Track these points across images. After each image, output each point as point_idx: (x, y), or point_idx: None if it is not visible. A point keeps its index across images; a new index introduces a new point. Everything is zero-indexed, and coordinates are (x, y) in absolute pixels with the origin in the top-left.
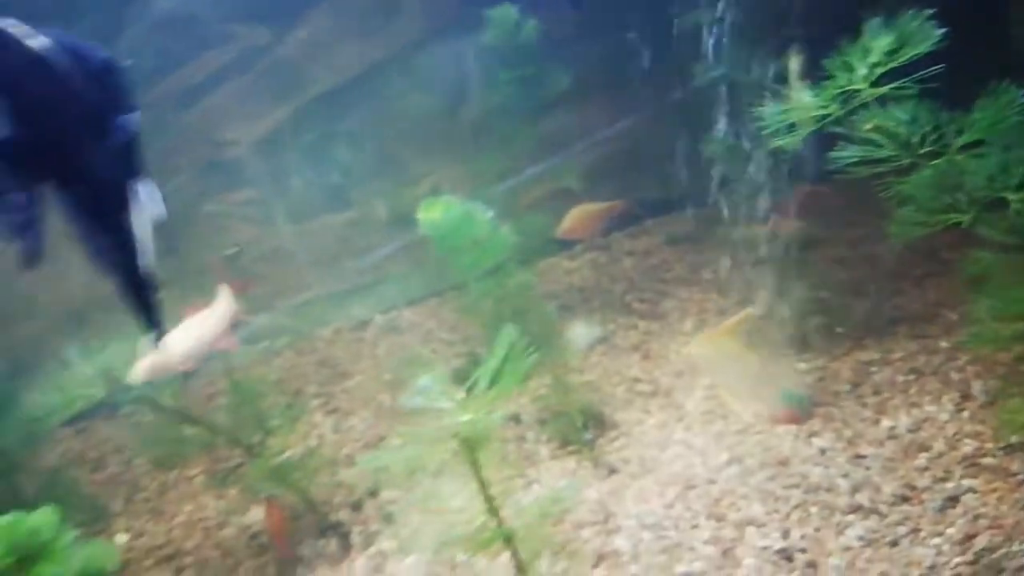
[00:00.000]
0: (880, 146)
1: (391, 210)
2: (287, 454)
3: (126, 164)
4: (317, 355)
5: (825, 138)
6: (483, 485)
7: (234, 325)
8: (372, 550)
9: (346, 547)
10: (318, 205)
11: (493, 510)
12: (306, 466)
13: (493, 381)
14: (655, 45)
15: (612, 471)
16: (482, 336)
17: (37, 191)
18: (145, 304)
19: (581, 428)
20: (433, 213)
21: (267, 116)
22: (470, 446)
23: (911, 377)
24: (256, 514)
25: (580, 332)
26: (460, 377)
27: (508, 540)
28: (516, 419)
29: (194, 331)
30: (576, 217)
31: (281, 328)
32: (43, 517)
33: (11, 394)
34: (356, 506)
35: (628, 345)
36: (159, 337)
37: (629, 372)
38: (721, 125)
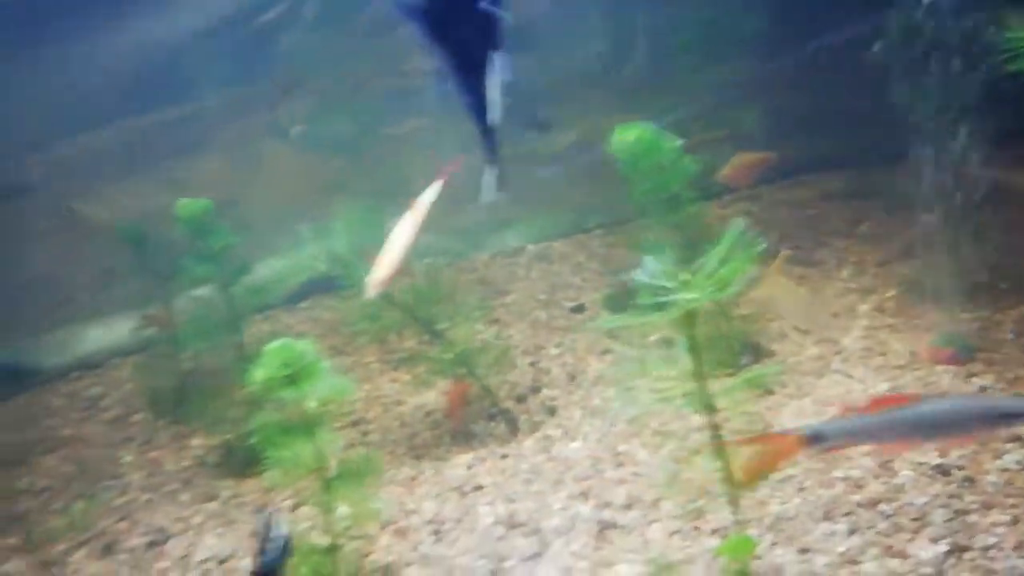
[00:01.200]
0: None
1: (544, 149)
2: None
3: (491, 37)
4: (476, 274)
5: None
6: (697, 358)
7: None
8: (538, 435)
9: (514, 430)
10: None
11: (701, 378)
12: (477, 360)
13: (718, 267)
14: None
15: (769, 392)
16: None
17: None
18: (491, 148)
19: (738, 353)
20: (627, 135)
21: None
22: (689, 322)
23: None
24: (428, 396)
25: None
26: (613, 303)
27: (710, 408)
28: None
29: (405, 232)
30: (737, 165)
31: (443, 249)
32: (307, 345)
33: (246, 263)
34: (520, 399)
35: None
36: (498, 172)
37: None
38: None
